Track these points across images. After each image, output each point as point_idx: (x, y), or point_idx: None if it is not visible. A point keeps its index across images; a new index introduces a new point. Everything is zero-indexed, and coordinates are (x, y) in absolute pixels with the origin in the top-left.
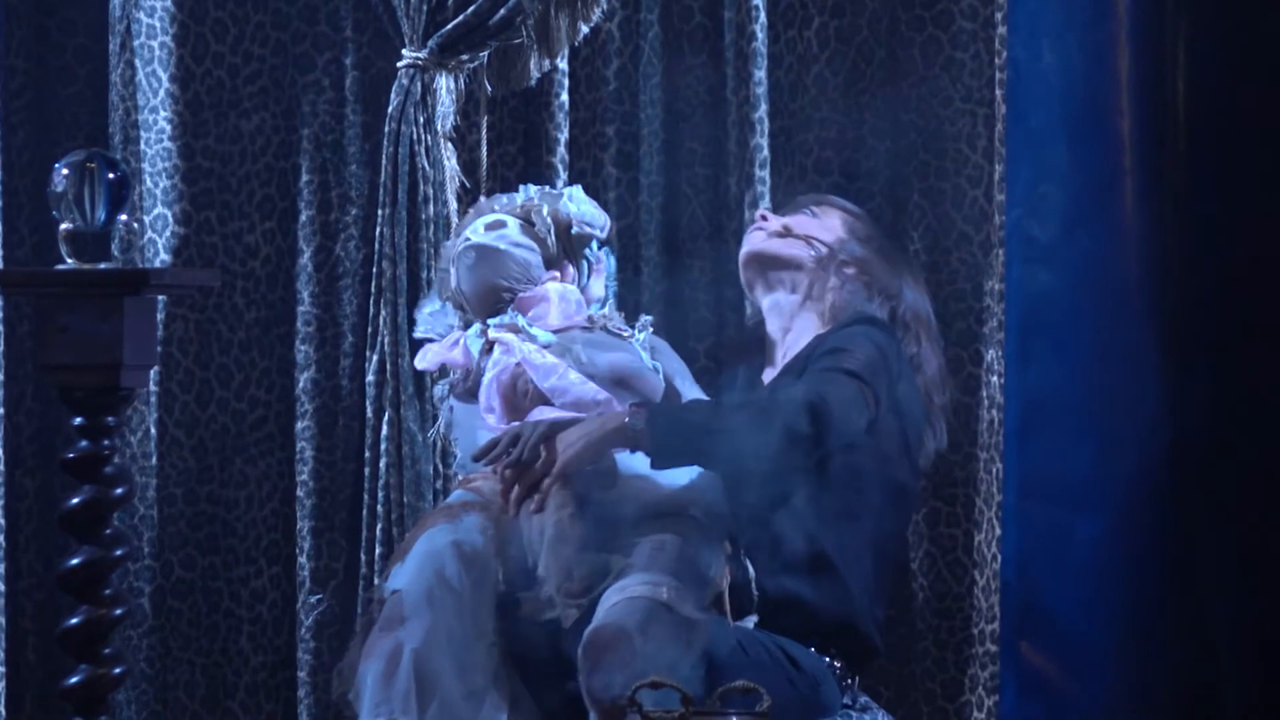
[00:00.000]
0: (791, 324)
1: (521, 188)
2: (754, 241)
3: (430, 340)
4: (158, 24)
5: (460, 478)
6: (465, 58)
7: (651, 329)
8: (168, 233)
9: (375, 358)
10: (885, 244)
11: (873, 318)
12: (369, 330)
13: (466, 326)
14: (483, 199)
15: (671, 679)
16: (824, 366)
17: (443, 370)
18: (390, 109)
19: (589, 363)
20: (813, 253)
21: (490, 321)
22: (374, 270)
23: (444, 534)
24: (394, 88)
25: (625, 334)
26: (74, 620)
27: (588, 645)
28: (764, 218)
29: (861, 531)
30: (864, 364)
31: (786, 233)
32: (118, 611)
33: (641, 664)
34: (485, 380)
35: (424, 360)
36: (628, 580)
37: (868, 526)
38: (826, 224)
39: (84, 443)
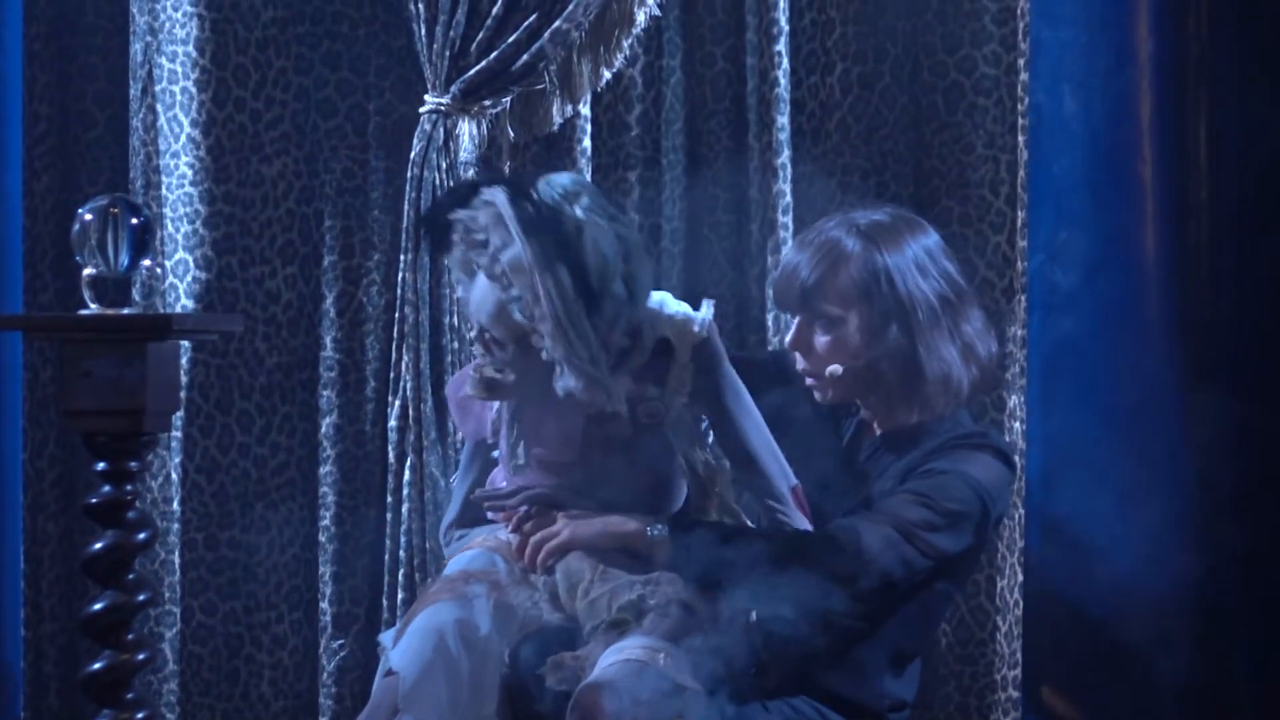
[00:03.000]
0: (873, 416)
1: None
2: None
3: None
4: (179, 69)
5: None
6: (488, 103)
7: (712, 309)
8: (189, 278)
9: (398, 403)
10: (888, 252)
11: (991, 445)
12: (391, 375)
13: None
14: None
15: None
16: (885, 513)
17: None
18: (413, 154)
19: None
20: (852, 374)
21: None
22: (396, 316)
23: (449, 610)
24: (416, 133)
25: (656, 416)
26: (96, 665)
27: (576, 702)
28: (792, 346)
29: (891, 642)
30: (940, 518)
31: (823, 380)
32: (140, 657)
33: None
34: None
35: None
36: (626, 642)
37: (900, 638)
38: (850, 328)
39: (106, 488)
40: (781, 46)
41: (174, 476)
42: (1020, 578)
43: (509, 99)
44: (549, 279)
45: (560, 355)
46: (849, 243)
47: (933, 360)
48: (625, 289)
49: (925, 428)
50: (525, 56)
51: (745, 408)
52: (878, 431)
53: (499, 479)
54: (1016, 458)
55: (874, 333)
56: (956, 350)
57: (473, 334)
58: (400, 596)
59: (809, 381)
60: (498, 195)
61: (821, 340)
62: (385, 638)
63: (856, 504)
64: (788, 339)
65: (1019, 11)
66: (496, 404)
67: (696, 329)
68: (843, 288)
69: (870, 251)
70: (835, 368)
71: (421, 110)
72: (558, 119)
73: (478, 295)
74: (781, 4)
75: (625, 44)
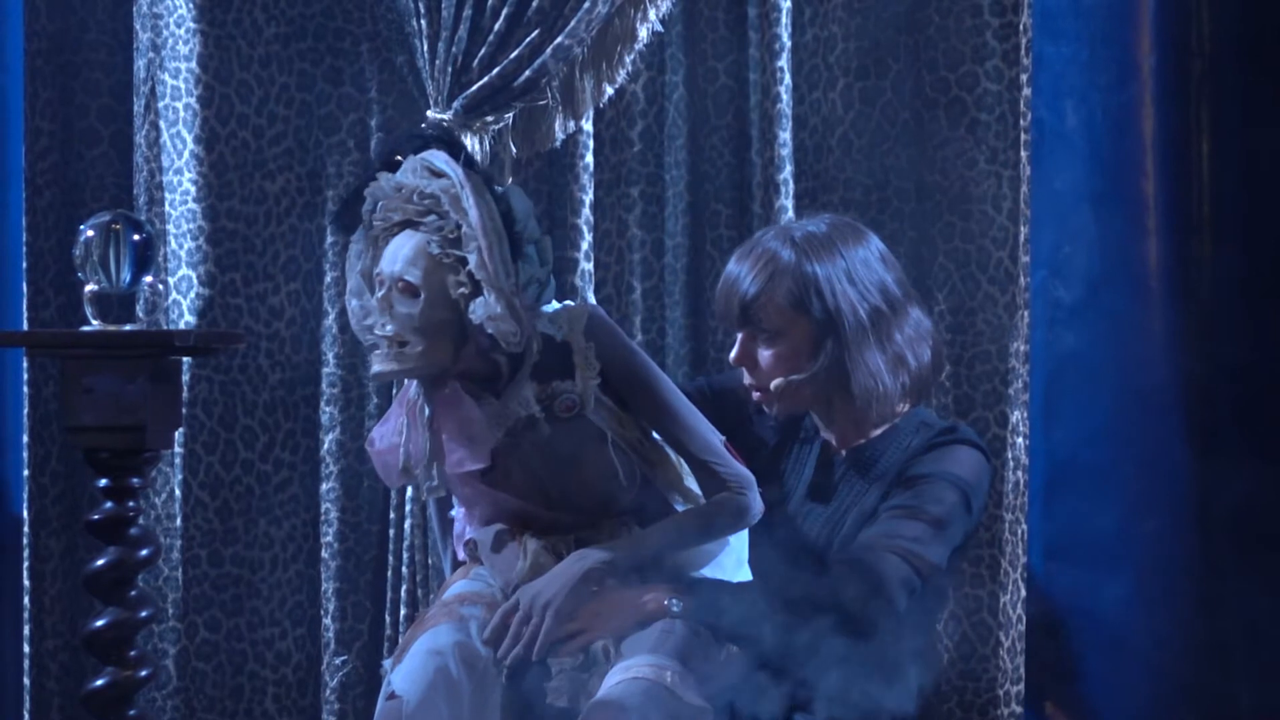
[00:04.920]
0: (831, 423)
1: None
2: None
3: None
4: (182, 85)
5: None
6: (490, 119)
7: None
8: (192, 294)
9: None
10: (818, 262)
11: (965, 439)
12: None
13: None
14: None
15: None
16: (885, 537)
17: None
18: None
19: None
20: (795, 386)
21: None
22: None
23: (448, 634)
24: None
25: (574, 407)
26: (99, 682)
27: None
28: (737, 362)
29: (887, 654)
30: (930, 530)
31: (769, 394)
32: (143, 673)
33: None
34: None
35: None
36: (633, 660)
37: (896, 649)
38: (790, 342)
39: (109, 504)
40: (784, 62)
41: (177, 493)
42: (1023, 593)
43: (511, 115)
44: (482, 201)
45: (485, 276)
46: (784, 255)
47: (859, 373)
48: (538, 255)
49: (888, 439)
50: (528, 72)
51: (655, 374)
52: (843, 451)
53: (462, 523)
54: (1020, 472)
55: (812, 345)
56: (885, 361)
57: (379, 294)
58: (403, 613)
59: (755, 396)
60: (424, 154)
61: (765, 355)
62: (390, 663)
63: (836, 525)
64: (732, 355)
65: (1021, 27)
66: (402, 445)
67: (576, 311)
68: (780, 302)
69: (802, 264)
70: (779, 381)
71: (424, 126)
72: (560, 135)
73: (391, 251)
74: (784, 19)
75: (628, 60)
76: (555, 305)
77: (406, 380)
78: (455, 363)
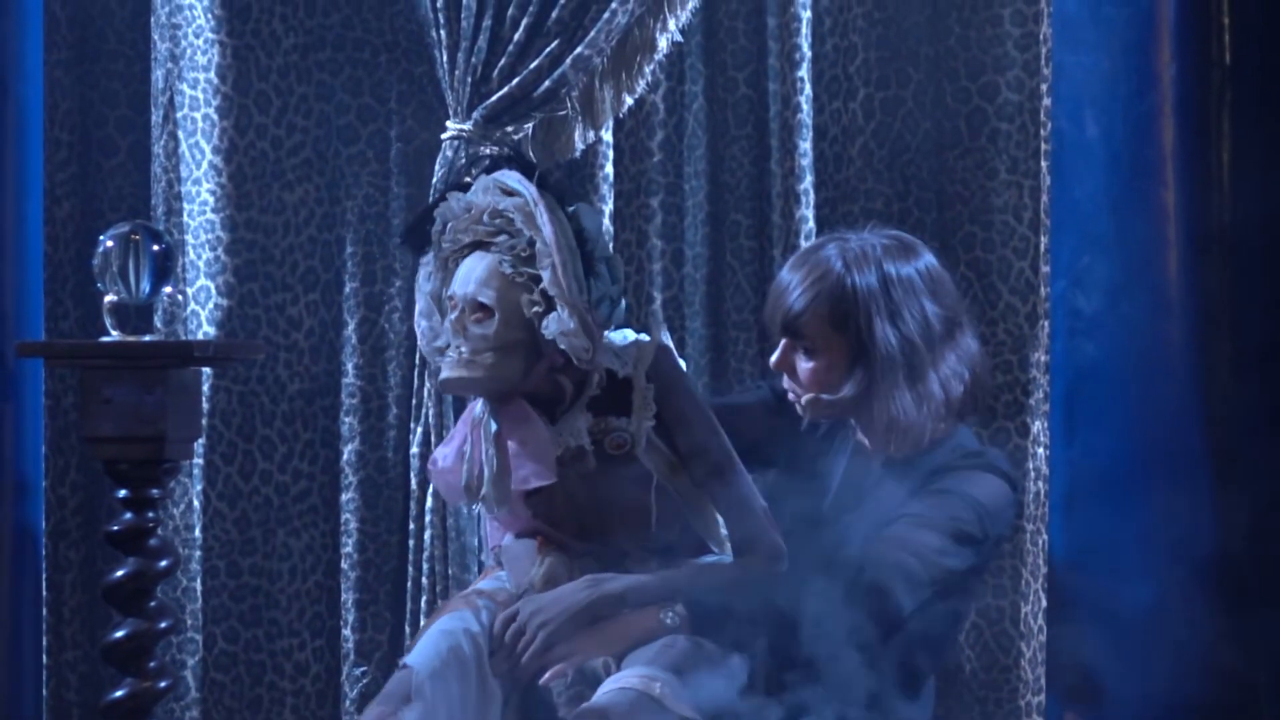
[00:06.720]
0: (866, 435)
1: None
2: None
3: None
4: (201, 96)
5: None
6: (510, 129)
7: (666, 333)
8: (211, 305)
9: (419, 430)
10: (854, 280)
11: (991, 466)
12: (413, 402)
13: None
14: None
15: None
16: (891, 539)
17: None
18: (435, 181)
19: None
20: (829, 402)
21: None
22: (418, 342)
23: (465, 619)
24: (438, 160)
25: (624, 446)
26: (118, 693)
27: None
28: (777, 368)
29: (900, 665)
30: (937, 537)
31: (809, 404)
32: (162, 684)
33: None
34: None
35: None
36: (626, 671)
37: (909, 660)
38: (827, 360)
39: (128, 515)
40: (804, 72)
41: (196, 503)
42: (1044, 603)
43: (531, 125)
44: (555, 218)
45: (558, 292)
46: (833, 273)
47: (886, 406)
48: (609, 273)
49: (920, 454)
50: (547, 82)
51: (710, 428)
52: (875, 457)
53: (492, 529)
54: (1040, 483)
55: (846, 367)
56: (912, 398)
57: (452, 317)
58: (423, 624)
59: (791, 398)
60: (496, 174)
61: (804, 366)
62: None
63: (860, 533)
64: (773, 360)
65: (1041, 37)
66: (465, 463)
67: (646, 348)
68: (822, 319)
69: (845, 284)
70: (811, 396)
71: (443, 136)
72: (580, 145)
73: (463, 273)
74: (804, 29)
75: (647, 70)
76: (630, 336)
77: (470, 399)
78: (525, 380)
